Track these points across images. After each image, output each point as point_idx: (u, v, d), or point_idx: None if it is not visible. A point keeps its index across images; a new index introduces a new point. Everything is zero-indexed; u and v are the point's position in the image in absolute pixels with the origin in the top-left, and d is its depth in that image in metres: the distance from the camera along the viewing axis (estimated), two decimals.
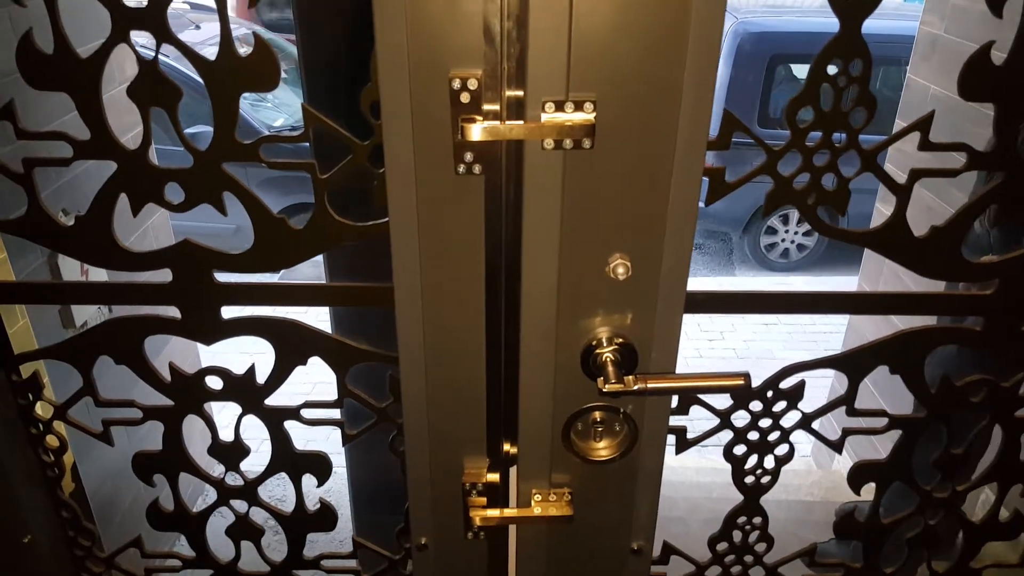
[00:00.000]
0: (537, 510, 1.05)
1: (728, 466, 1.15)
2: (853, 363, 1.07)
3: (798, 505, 2.81)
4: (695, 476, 2.86)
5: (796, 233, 5.44)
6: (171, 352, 1.20)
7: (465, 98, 0.83)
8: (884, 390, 2.42)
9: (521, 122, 0.84)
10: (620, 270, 0.92)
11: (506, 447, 1.06)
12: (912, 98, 2.52)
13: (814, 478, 2.97)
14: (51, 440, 1.12)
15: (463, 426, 1.03)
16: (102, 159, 0.93)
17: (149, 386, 1.07)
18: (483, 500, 1.05)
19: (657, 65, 0.82)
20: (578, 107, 0.83)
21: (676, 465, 3.07)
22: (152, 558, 1.22)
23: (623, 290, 0.94)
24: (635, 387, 0.92)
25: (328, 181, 0.95)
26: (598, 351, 0.97)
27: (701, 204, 0.92)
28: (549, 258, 0.92)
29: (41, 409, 1.10)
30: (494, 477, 1.06)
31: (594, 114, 0.83)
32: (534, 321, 0.95)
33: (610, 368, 0.95)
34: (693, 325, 4.68)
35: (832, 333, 4.34)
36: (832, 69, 0.90)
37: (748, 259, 5.61)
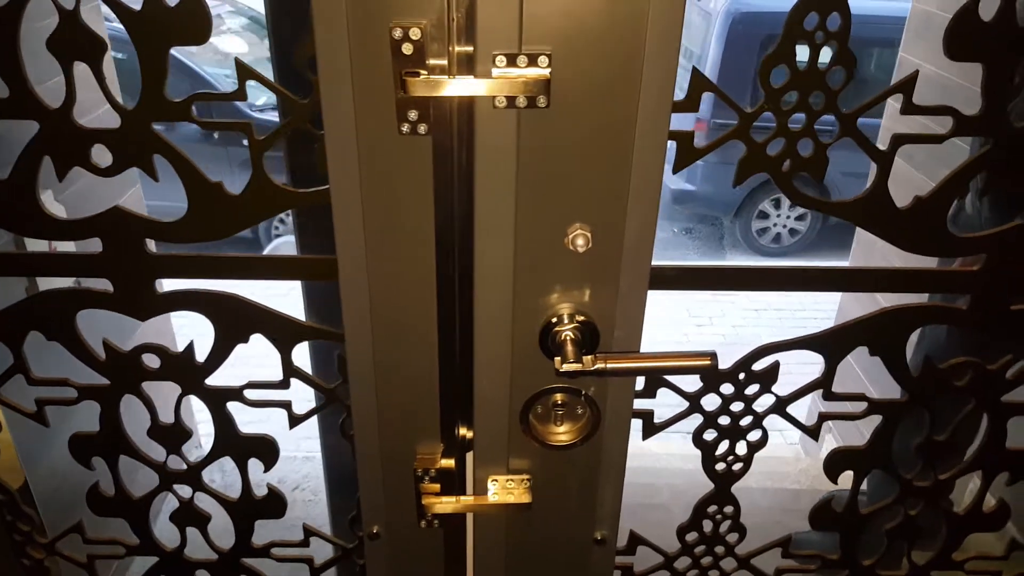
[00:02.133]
0: (494, 498, 0.99)
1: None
2: (830, 343, 1.01)
3: (784, 493, 2.76)
4: (680, 463, 2.81)
5: (788, 217, 5.38)
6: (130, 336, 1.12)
7: (407, 49, 0.76)
8: (873, 375, 2.37)
9: (469, 77, 0.77)
10: (580, 241, 0.86)
11: (462, 431, 1.00)
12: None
13: (801, 466, 2.92)
14: None
15: (415, 408, 0.97)
16: (22, 119, 0.86)
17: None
18: (436, 487, 0.99)
19: (617, 16, 0.75)
20: (532, 61, 0.76)
21: (660, 451, 3.03)
22: (95, 544, 1.16)
23: (583, 263, 0.88)
24: (594, 367, 0.86)
25: (264, 143, 0.88)
26: (557, 329, 0.91)
27: (670, 174, 0.86)
28: (504, 228, 0.85)
29: None
30: (448, 463, 1.00)
31: (549, 69, 0.76)
32: (488, 296, 0.89)
33: (569, 347, 0.89)
34: (682, 310, 4.63)
35: (823, 319, 4.30)
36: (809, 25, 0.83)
37: (739, 244, 5.55)
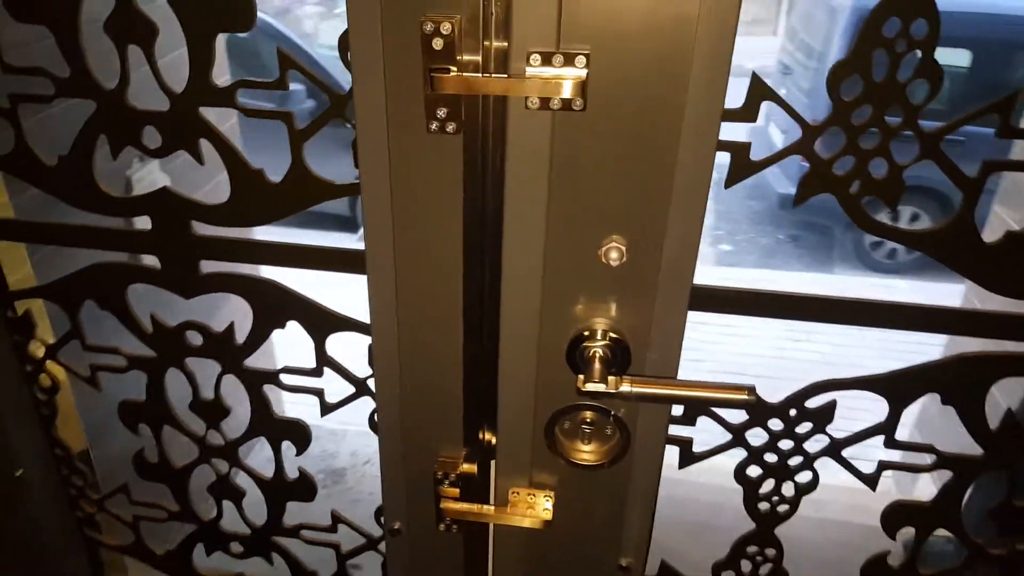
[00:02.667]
0: (513, 511, 0.96)
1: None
2: (897, 386, 0.91)
3: (864, 531, 2.57)
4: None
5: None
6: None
7: (438, 44, 0.73)
8: (937, 423, 2.16)
9: (503, 75, 0.73)
10: (614, 254, 0.80)
11: (486, 437, 0.97)
12: None
13: (857, 500, 2.71)
14: (43, 379, 1.12)
15: (439, 409, 0.95)
16: (80, 97, 0.89)
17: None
18: (455, 491, 0.97)
19: (664, 14, 0.69)
20: (568, 61, 0.71)
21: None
22: (139, 506, 1.21)
23: (617, 277, 0.82)
24: (619, 389, 0.81)
25: (304, 132, 0.88)
26: (587, 344, 0.86)
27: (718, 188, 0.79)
28: (534, 234, 0.81)
29: (35, 348, 1.10)
30: (471, 468, 0.97)
31: (586, 69, 0.71)
32: (515, 303, 0.85)
33: (596, 365, 0.84)
34: (778, 321, 4.39)
35: (932, 346, 3.97)
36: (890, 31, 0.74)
37: (850, 256, 5.18)
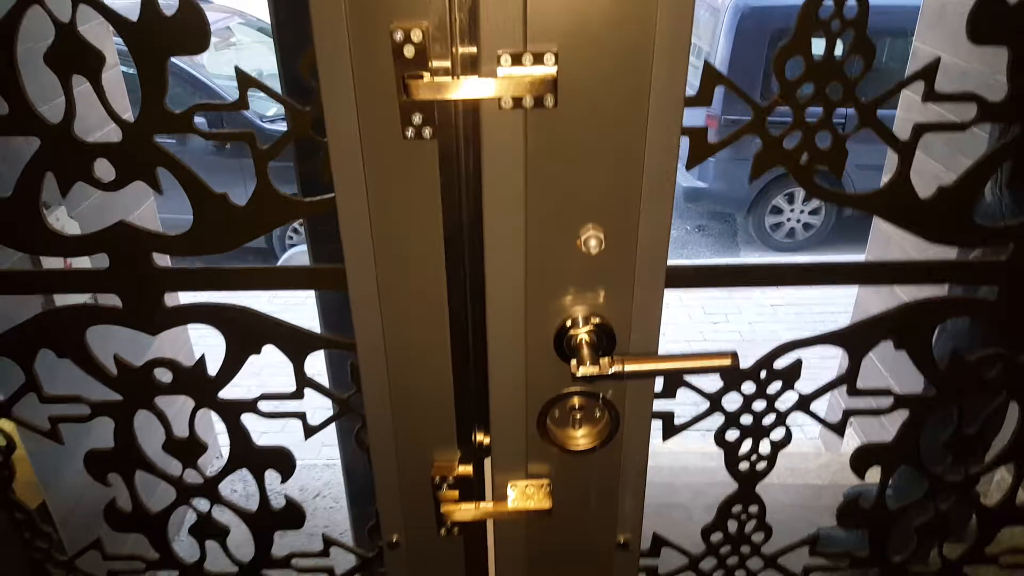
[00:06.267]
0: (513, 504, 0.97)
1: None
2: (854, 338, 0.98)
3: (805, 489, 2.73)
4: (699, 460, 2.77)
5: (802, 212, 5.31)
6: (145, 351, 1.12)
7: (409, 52, 0.74)
8: (893, 369, 2.33)
9: (474, 77, 0.75)
10: (592, 243, 0.83)
11: (479, 437, 0.98)
12: (919, 67, 2.41)
13: (822, 461, 2.88)
14: None
15: (430, 416, 0.96)
16: (22, 135, 0.85)
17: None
18: (455, 494, 0.98)
19: (626, 11, 0.73)
20: (537, 60, 0.74)
21: (679, 449, 2.99)
22: (114, 560, 1.15)
23: (597, 265, 0.86)
24: (612, 370, 0.84)
25: (268, 153, 0.87)
26: (572, 332, 0.89)
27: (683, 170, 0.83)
28: (514, 230, 0.83)
29: None
30: (466, 469, 0.98)
31: (556, 67, 0.74)
32: (500, 300, 0.87)
33: (585, 350, 0.87)
34: (697, 308, 4.58)
35: (840, 313, 4.23)
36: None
37: (753, 240, 5.48)
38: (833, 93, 0.83)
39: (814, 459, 2.88)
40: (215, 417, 1.02)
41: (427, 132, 0.77)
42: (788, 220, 5.37)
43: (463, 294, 0.88)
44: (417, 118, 0.76)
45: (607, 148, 0.79)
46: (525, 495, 0.98)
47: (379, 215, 0.83)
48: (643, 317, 0.89)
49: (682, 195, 5.31)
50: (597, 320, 0.88)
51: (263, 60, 5.29)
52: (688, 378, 1.01)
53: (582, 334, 0.89)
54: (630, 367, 0.85)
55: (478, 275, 0.86)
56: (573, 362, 0.85)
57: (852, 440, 2.86)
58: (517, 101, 0.75)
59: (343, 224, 0.84)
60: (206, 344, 1.18)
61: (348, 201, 0.82)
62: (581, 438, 0.96)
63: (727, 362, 0.85)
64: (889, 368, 2.35)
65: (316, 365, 1.04)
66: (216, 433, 2.04)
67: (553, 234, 0.83)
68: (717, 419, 1.06)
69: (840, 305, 4.32)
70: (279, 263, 4.52)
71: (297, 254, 4.46)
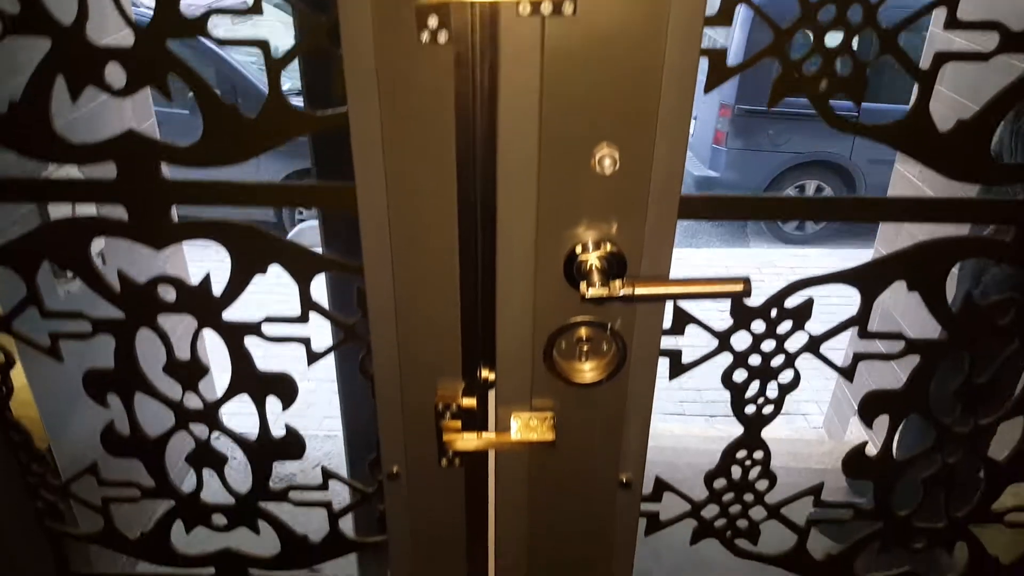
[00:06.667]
0: (516, 435, 0.96)
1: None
2: (867, 277, 0.97)
3: (808, 473, 2.72)
4: (701, 444, 2.77)
5: None
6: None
7: None
8: (909, 319, 2.29)
9: None
10: (607, 162, 0.82)
11: (484, 369, 0.97)
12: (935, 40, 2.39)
13: (825, 448, 2.88)
14: None
15: (436, 344, 0.94)
16: (33, 35, 0.84)
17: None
18: (458, 424, 0.97)
19: None
20: None
21: (681, 432, 2.98)
22: (109, 486, 1.14)
23: (610, 187, 0.84)
24: (621, 292, 0.83)
25: (281, 61, 0.86)
26: (582, 257, 0.88)
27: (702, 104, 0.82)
28: (527, 145, 0.82)
29: None
30: (470, 401, 0.97)
31: None
32: (511, 220, 0.86)
33: (595, 275, 0.86)
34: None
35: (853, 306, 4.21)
36: None
37: (763, 231, 5.48)
38: (854, 16, 0.82)
39: (817, 446, 2.87)
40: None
41: (442, 37, 0.76)
42: None
43: (474, 215, 0.87)
44: (433, 21, 0.75)
45: (626, 61, 0.78)
46: (528, 427, 0.97)
47: (391, 125, 0.81)
48: (655, 245, 0.88)
49: (693, 184, 5.29)
50: (609, 246, 0.87)
51: (280, 39, 5.27)
52: (697, 315, 1.00)
53: (592, 259, 0.87)
54: (641, 290, 0.84)
55: (490, 192, 0.84)
56: (583, 284, 0.84)
57: (853, 430, 2.86)
58: (535, 6, 0.74)
59: (355, 137, 0.83)
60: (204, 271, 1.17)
61: (360, 110, 0.81)
62: (588, 371, 0.95)
63: (739, 287, 0.83)
64: (902, 315, 2.33)
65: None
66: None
67: (567, 150, 0.82)
68: (725, 360, 1.04)
69: (852, 297, 4.29)
70: (289, 237, 4.51)
71: (307, 229, 4.44)
